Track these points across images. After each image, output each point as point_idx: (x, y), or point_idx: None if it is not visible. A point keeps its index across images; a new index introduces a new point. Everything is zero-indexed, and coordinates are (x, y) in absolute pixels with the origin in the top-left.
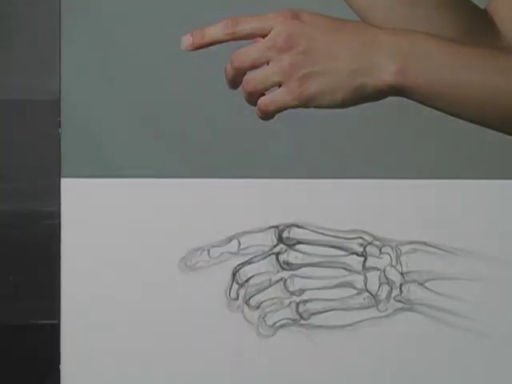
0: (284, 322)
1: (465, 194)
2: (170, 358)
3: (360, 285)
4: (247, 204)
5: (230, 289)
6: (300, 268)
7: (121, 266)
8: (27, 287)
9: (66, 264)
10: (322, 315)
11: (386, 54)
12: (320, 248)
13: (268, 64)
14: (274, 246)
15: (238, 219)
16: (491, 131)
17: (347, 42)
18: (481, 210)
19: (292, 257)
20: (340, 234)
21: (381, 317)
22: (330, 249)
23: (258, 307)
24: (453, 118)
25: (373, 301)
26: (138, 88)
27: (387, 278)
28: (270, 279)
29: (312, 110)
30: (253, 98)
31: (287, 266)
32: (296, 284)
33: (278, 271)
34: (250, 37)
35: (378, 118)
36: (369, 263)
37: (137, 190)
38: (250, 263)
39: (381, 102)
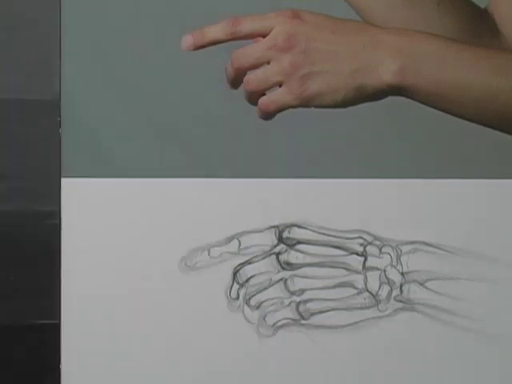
0: (284, 321)
1: (465, 193)
2: (169, 357)
3: (360, 285)
4: (247, 204)
5: (231, 289)
6: (300, 268)
7: (121, 265)
8: (27, 287)
9: (66, 264)
10: (323, 315)
11: (387, 53)
12: (320, 248)
13: (268, 64)
14: (275, 246)
15: (238, 219)
16: (491, 131)
17: (348, 41)
18: (481, 210)
19: (292, 257)
20: (340, 234)
21: (381, 317)
22: (331, 249)
23: (258, 307)
24: (453, 117)
25: (373, 301)
26: (138, 88)
27: (387, 278)
28: (271, 279)
29: (312, 109)
30: (253, 97)
31: (287, 265)
32: (296, 284)
33: (279, 271)
34: (251, 36)
35: (378, 118)
36: (369, 263)
37: (137, 190)
38: (250, 263)
39: (381, 101)
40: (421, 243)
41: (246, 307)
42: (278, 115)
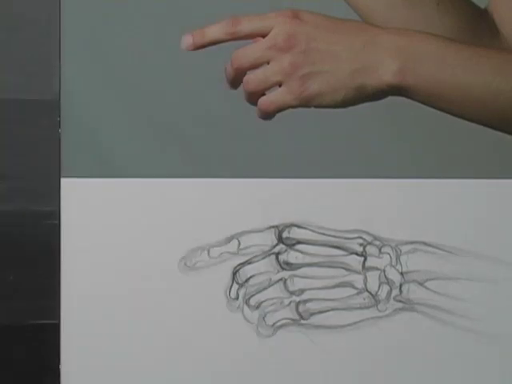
0: (284, 321)
1: (465, 193)
2: (169, 357)
3: (360, 285)
4: (247, 204)
5: (230, 289)
6: (300, 268)
7: (120, 265)
8: (27, 287)
9: (66, 264)
10: (322, 315)
11: (387, 53)
12: (320, 248)
13: (268, 64)
14: (274, 246)
15: (238, 219)
16: (491, 131)
17: (348, 41)
18: (481, 210)
19: (292, 257)
20: (340, 234)
21: (381, 317)
22: (330, 249)
23: (257, 307)
24: (453, 117)
25: (373, 301)
26: (138, 88)
27: (387, 278)
28: (270, 279)
29: (312, 109)
30: (253, 97)
31: (287, 265)
32: (296, 284)
33: (278, 271)
34: (251, 36)
35: (378, 118)
36: (369, 263)
37: (137, 190)
38: (249, 263)
39: (381, 101)
40: (420, 243)
41: (245, 307)
42: (278, 115)
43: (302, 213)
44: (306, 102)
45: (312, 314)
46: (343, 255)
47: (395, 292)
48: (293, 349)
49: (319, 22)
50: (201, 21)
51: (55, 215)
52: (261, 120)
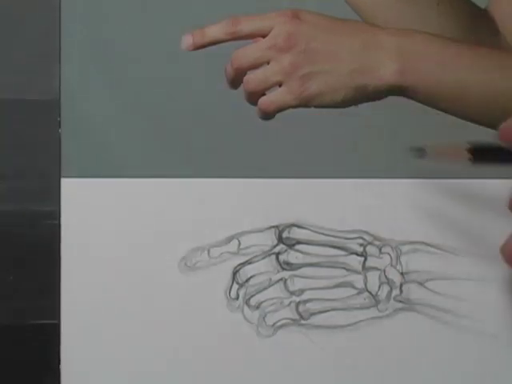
0: (284, 321)
1: (465, 193)
2: (169, 357)
3: (360, 285)
4: (247, 204)
5: (230, 289)
6: (300, 268)
7: (120, 266)
8: (27, 287)
9: (66, 264)
10: (322, 315)
11: (387, 53)
12: (320, 248)
13: (268, 64)
14: (274, 246)
15: (238, 219)
16: (491, 131)
17: (347, 41)
18: (481, 210)
19: (292, 257)
20: (340, 234)
21: (381, 317)
22: (330, 249)
23: (257, 307)
24: (453, 117)
25: (373, 301)
26: (138, 88)
27: (387, 278)
28: (270, 279)
29: (312, 109)
30: (253, 97)
31: (287, 265)
32: (296, 284)
33: (278, 271)
34: (251, 36)
35: (378, 118)
36: (369, 263)
37: (137, 190)
38: (250, 263)
39: (381, 101)
40: (421, 243)
41: (245, 307)
42: (278, 115)
43: (302, 213)
44: (305, 102)
45: (312, 314)
46: (343, 255)
47: (395, 292)
48: (293, 349)
49: (319, 21)
50: (201, 21)
51: (55, 215)
52: (261, 120)
